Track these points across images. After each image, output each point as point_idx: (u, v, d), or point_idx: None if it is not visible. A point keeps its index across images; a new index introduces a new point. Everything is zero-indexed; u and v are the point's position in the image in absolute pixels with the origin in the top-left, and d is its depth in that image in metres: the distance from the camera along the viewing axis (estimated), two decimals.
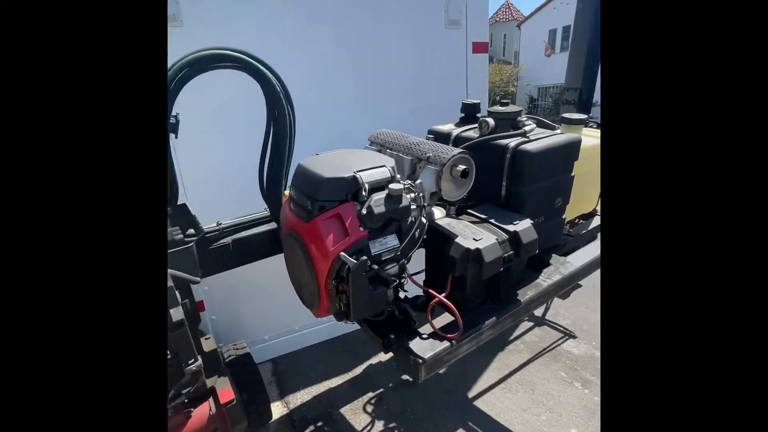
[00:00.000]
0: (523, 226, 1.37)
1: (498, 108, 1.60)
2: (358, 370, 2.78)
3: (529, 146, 1.44)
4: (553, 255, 1.70)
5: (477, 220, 1.45)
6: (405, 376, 2.72)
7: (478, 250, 1.25)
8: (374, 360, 2.85)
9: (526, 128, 1.51)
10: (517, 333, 3.10)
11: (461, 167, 1.23)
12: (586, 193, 1.99)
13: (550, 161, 1.49)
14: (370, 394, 2.58)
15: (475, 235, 1.31)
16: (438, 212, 1.53)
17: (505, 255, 1.32)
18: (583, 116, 1.84)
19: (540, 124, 2.03)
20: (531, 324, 3.20)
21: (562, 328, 3.11)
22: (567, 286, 1.58)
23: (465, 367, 2.78)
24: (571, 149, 1.57)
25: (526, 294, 1.45)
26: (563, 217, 1.71)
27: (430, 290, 1.23)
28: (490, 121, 1.56)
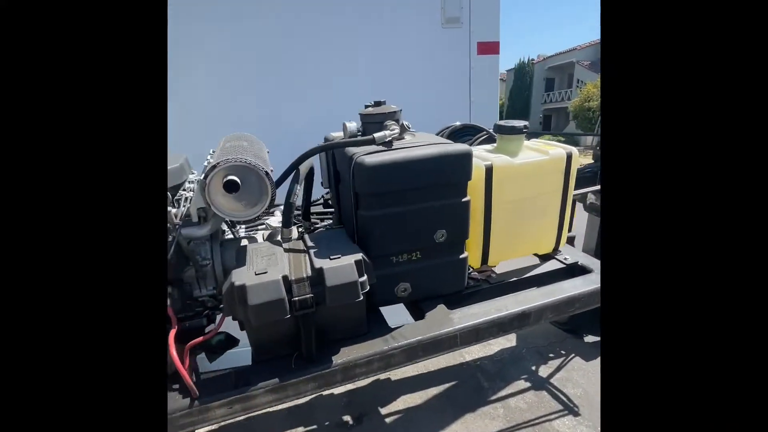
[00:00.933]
0: (337, 263, 1.02)
1: (368, 109, 1.26)
2: (305, 398, 2.53)
3: (368, 157, 1.08)
4: (440, 306, 1.26)
5: (301, 249, 1.14)
6: (347, 417, 2.39)
7: (242, 287, 0.95)
8: (326, 391, 2.57)
9: (384, 133, 1.14)
10: (502, 393, 2.50)
11: (229, 178, 0.96)
12: (534, 227, 1.48)
13: (406, 179, 1.10)
14: (302, 429, 2.32)
15: (261, 269, 1.01)
16: (295, 233, 1.26)
17: (298, 299, 0.99)
18: (520, 123, 1.36)
19: (488, 138, 1.61)
20: (528, 384, 2.56)
21: (565, 398, 2.42)
22: (429, 353, 1.14)
23: (424, 422, 2.32)
24: (453, 165, 1.14)
25: (348, 354, 1.08)
26: (462, 256, 1.26)
27: (174, 329, 0.97)
28: (350, 125, 1.23)
